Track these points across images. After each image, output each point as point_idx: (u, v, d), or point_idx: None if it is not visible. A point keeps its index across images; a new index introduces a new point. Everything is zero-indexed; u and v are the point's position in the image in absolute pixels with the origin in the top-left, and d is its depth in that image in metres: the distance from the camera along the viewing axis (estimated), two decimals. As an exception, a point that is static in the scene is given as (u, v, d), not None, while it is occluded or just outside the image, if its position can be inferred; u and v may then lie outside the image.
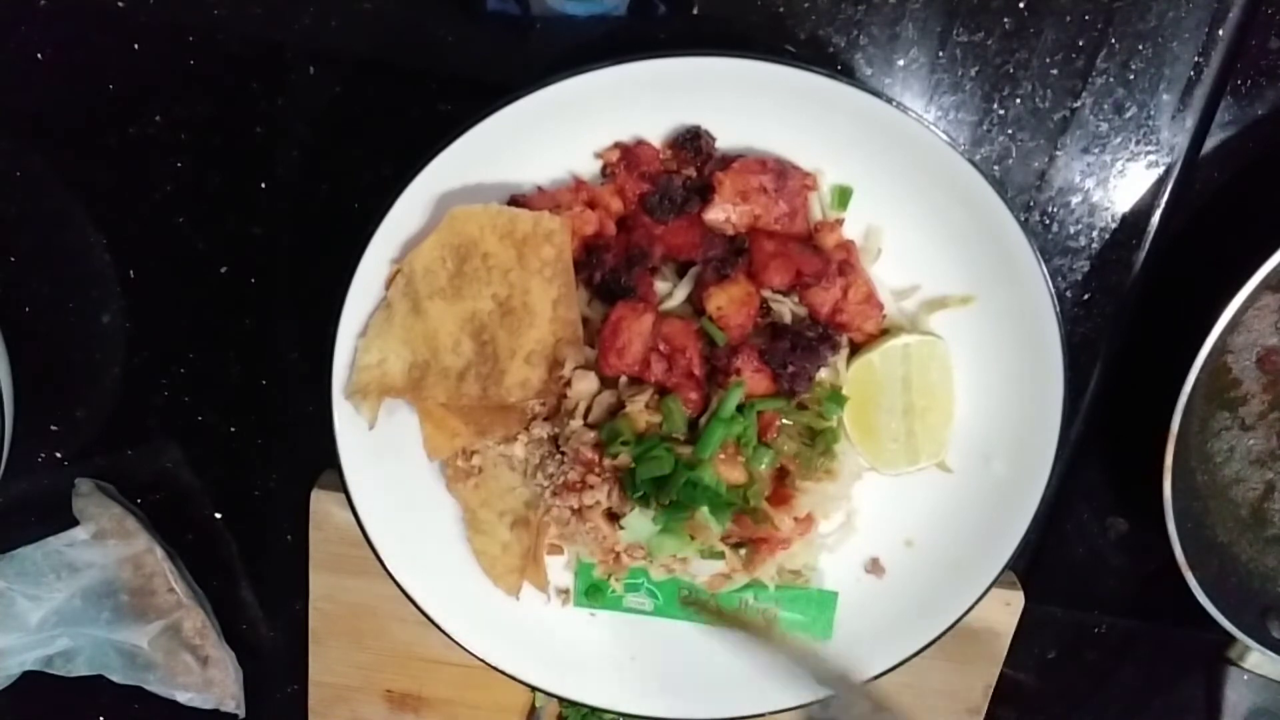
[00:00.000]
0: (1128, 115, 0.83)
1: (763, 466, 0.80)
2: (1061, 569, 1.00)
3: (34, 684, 0.99)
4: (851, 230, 0.81)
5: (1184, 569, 0.87)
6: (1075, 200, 0.86)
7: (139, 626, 0.97)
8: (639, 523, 0.79)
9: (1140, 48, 0.81)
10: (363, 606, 0.98)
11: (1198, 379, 0.81)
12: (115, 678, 0.99)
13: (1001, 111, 0.83)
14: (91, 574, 0.96)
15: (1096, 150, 0.84)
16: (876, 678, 0.88)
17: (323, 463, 0.95)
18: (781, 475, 0.82)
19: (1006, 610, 0.97)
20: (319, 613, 0.99)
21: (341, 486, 0.82)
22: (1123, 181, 0.86)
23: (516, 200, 0.78)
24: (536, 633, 0.91)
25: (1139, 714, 1.10)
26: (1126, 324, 0.90)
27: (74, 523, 0.95)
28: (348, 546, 0.92)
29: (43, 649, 0.97)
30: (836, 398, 0.81)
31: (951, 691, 1.02)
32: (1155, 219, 0.87)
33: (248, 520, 0.99)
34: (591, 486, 0.78)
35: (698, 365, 0.78)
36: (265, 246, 0.88)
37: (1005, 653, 0.99)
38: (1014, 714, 1.07)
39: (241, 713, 1.04)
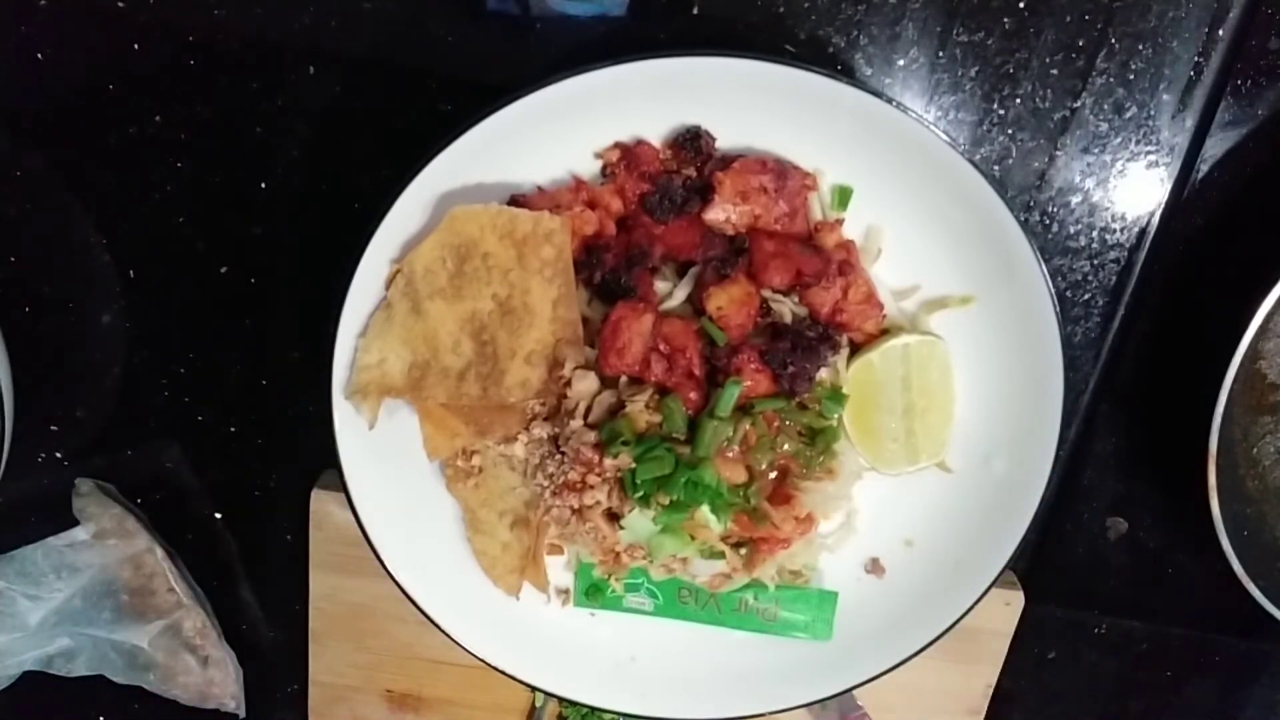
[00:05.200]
0: (1128, 115, 0.83)
1: (763, 465, 0.80)
2: (1061, 569, 1.00)
3: (34, 684, 0.99)
4: (851, 230, 0.81)
5: (1245, 581, 0.87)
6: (1075, 200, 0.86)
7: (139, 626, 0.97)
8: (639, 523, 0.79)
9: (1140, 48, 0.81)
10: (363, 606, 0.98)
11: (1233, 390, 0.81)
12: (115, 678, 0.99)
13: (1001, 111, 0.83)
14: (91, 574, 0.96)
15: (1096, 150, 0.84)
16: (876, 677, 0.88)
17: (323, 463, 0.95)
18: (782, 475, 0.82)
19: (1006, 610, 0.97)
20: (319, 613, 0.99)
21: (341, 486, 0.82)
22: (1123, 181, 0.86)
23: (516, 200, 0.78)
24: (536, 633, 0.91)
25: (1143, 716, 1.10)
26: (1128, 324, 0.90)
27: (74, 523, 0.95)
28: (348, 546, 0.92)
29: (43, 649, 0.97)
30: (836, 397, 0.81)
31: (951, 691, 1.02)
32: (1155, 219, 0.87)
33: (248, 520, 0.99)
34: (591, 486, 0.78)
35: (698, 365, 0.78)
36: (265, 246, 0.88)
37: (1005, 653, 1.00)
38: (1014, 714, 1.07)
39: (241, 713, 1.04)
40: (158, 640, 0.98)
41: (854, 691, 0.94)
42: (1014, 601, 0.97)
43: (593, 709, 0.94)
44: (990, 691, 1.02)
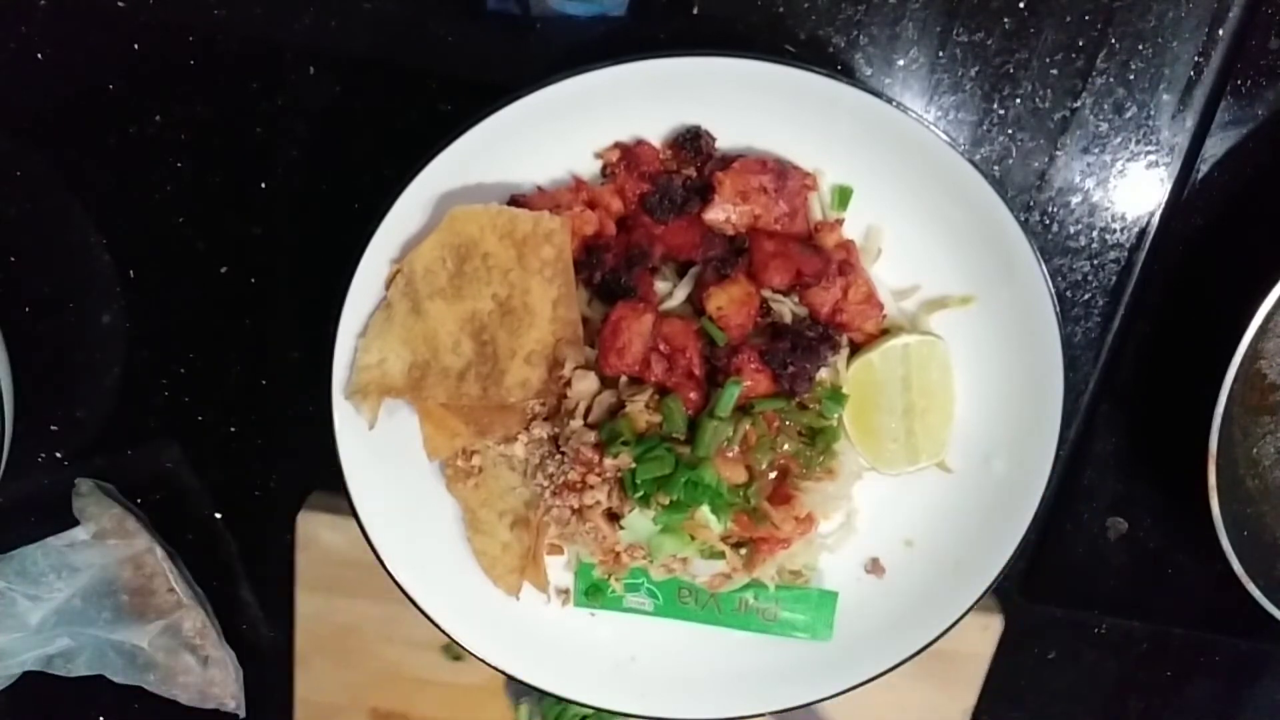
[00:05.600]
0: (1128, 115, 0.83)
1: (763, 465, 0.80)
2: (1061, 569, 1.00)
3: (34, 684, 0.99)
4: (851, 230, 0.81)
5: (1245, 581, 0.87)
6: (1075, 200, 0.86)
7: (139, 626, 0.97)
8: (639, 523, 0.79)
9: (1140, 48, 0.81)
10: (350, 627, 0.98)
11: (1232, 389, 0.81)
12: (115, 678, 0.99)
13: (1001, 111, 0.83)
14: (91, 574, 0.96)
15: (1096, 150, 0.84)
16: (876, 677, 0.88)
17: (321, 464, 0.94)
18: (782, 475, 0.82)
19: (984, 634, 0.97)
20: (306, 633, 0.99)
21: (342, 487, 0.82)
22: (1123, 181, 0.86)
23: (516, 200, 0.78)
24: (536, 633, 0.91)
25: (1143, 716, 1.10)
26: (1128, 324, 0.90)
27: (74, 523, 0.95)
28: (335, 568, 0.92)
29: (43, 649, 0.97)
30: (836, 397, 0.81)
31: (932, 711, 1.01)
32: (1155, 219, 0.87)
33: (248, 520, 0.99)
34: (591, 486, 0.78)
35: (698, 365, 0.78)
36: (265, 246, 0.88)
37: (984, 677, 1.00)
38: (1014, 714, 1.07)
39: (241, 713, 1.04)
40: (158, 640, 0.98)
41: (832, 713, 0.93)
42: (992, 626, 0.97)
43: (593, 709, 0.94)
44: (969, 715, 1.02)
